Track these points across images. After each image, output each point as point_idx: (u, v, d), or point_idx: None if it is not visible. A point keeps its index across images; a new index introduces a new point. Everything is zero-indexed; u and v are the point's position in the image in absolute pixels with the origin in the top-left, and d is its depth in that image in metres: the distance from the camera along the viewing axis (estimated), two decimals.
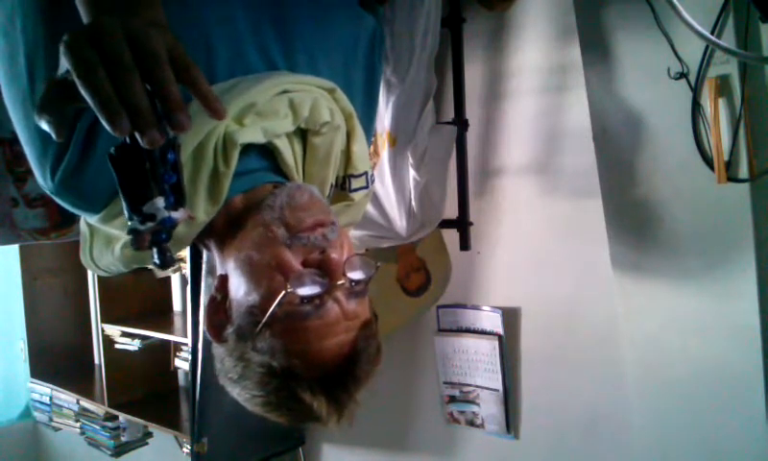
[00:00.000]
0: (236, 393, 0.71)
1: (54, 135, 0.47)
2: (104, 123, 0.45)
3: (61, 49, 0.45)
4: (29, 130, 0.65)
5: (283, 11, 0.80)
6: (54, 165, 0.65)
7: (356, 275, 0.68)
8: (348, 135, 0.83)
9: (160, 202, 0.51)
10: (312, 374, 0.66)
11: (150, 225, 0.52)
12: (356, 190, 0.87)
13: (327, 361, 0.67)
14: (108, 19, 0.47)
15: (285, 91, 0.74)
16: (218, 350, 0.72)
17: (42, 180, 0.67)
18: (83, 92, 0.44)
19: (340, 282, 0.67)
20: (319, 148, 0.79)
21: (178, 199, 0.53)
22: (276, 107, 0.73)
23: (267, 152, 0.75)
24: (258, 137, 0.71)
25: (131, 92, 0.45)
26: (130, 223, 0.52)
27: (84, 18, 0.52)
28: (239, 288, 0.69)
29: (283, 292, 0.64)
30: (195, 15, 0.71)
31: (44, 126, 0.47)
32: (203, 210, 0.70)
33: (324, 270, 0.67)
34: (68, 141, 0.63)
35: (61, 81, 0.47)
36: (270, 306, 0.65)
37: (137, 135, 0.46)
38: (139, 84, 0.46)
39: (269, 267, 0.67)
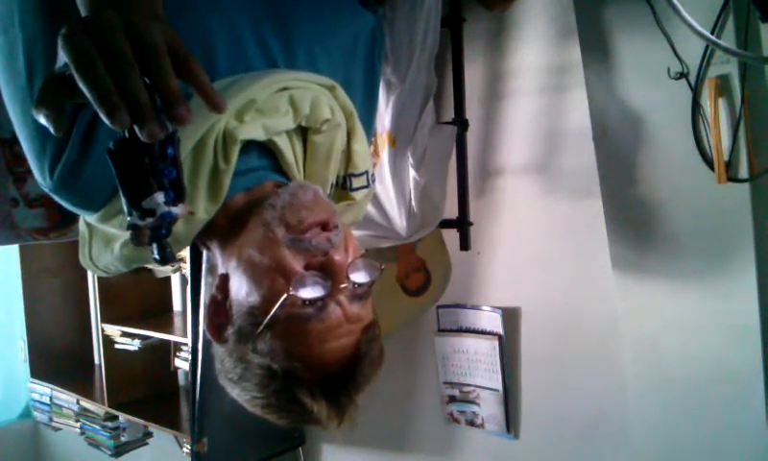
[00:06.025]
0: (236, 394, 0.70)
1: (52, 130, 0.46)
2: (103, 117, 0.44)
3: (59, 42, 0.45)
4: (27, 128, 0.65)
5: (283, 8, 0.80)
6: (52, 163, 0.64)
7: (359, 277, 0.67)
8: (349, 134, 0.82)
9: (160, 197, 0.51)
10: (313, 377, 0.65)
11: (149, 220, 0.51)
12: (357, 189, 0.86)
13: (329, 364, 0.66)
14: (106, 12, 0.46)
15: (285, 88, 0.73)
16: (218, 350, 0.72)
17: (41, 177, 0.66)
18: (81, 85, 0.44)
19: (343, 285, 0.66)
20: (319, 146, 0.78)
21: (177, 194, 0.52)
22: (276, 104, 0.72)
23: (268, 150, 0.75)
24: (259, 134, 0.71)
25: (130, 85, 0.44)
26: (129, 218, 0.51)
27: (83, 11, 0.52)
28: (240, 289, 0.68)
29: (285, 294, 0.64)
30: (195, 12, 0.71)
31: (42, 120, 0.46)
32: (203, 209, 0.69)
33: (327, 272, 0.66)
34: (67, 139, 0.63)
35: (60, 75, 0.46)
36: (271, 308, 0.64)
37: (137, 129, 0.45)
38: (138, 76, 0.45)
39: (270, 268, 0.66)
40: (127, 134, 0.48)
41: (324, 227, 0.68)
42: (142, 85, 0.45)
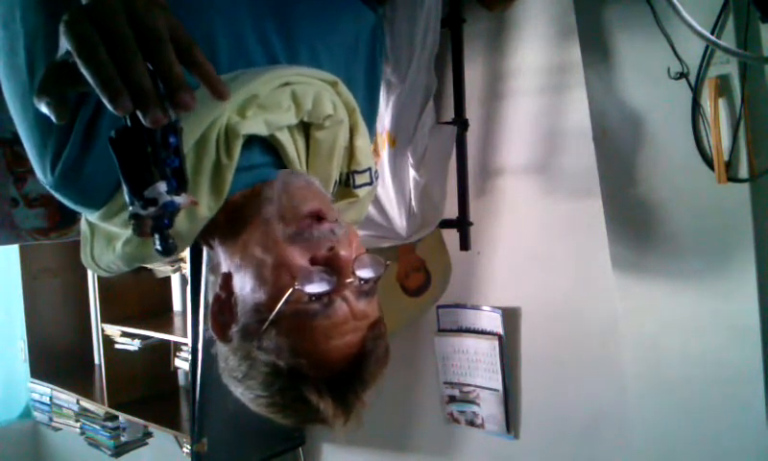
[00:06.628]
0: (240, 392, 0.69)
1: (54, 118, 0.46)
2: (105, 102, 0.43)
3: (61, 28, 0.44)
4: (28, 124, 0.64)
5: (285, 5, 0.80)
6: (54, 159, 0.63)
7: (365, 273, 0.66)
8: (352, 130, 0.82)
9: (162, 186, 0.50)
10: (319, 374, 0.65)
11: (152, 210, 0.50)
12: (360, 186, 0.86)
13: (335, 361, 0.65)
14: None
15: (287, 83, 0.73)
16: (222, 348, 0.71)
17: (42, 174, 0.66)
18: (83, 71, 0.43)
19: (349, 281, 0.65)
20: (322, 142, 0.78)
21: (180, 183, 0.51)
22: (278, 99, 0.72)
23: (270, 147, 0.74)
24: (261, 129, 0.70)
25: (133, 71, 0.44)
26: (131, 208, 0.51)
27: None
28: (245, 286, 0.68)
29: (291, 289, 0.63)
30: (196, 6, 0.70)
31: (44, 109, 0.46)
32: (206, 205, 0.69)
33: (333, 268, 0.65)
34: (68, 135, 0.62)
35: (62, 62, 0.46)
36: (276, 304, 0.64)
37: (140, 115, 0.45)
38: (141, 62, 0.45)
39: (276, 264, 0.66)
40: (129, 123, 0.48)
41: (319, 217, 0.68)
42: (145, 71, 0.45)
